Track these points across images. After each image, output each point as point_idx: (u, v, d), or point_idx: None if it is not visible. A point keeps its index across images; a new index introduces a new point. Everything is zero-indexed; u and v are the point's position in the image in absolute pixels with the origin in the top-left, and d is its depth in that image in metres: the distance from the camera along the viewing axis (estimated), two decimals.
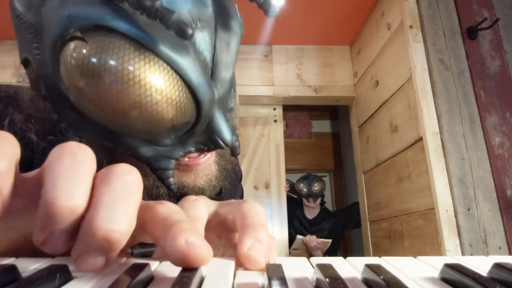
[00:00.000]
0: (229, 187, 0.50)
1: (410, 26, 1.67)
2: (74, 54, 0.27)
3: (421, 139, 1.57)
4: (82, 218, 0.16)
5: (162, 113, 0.30)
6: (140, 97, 0.28)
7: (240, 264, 0.20)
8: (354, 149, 2.48)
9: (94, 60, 0.27)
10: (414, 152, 1.65)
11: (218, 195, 0.47)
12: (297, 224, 2.65)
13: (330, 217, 2.64)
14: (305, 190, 2.62)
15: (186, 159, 0.37)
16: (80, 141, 0.31)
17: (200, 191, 0.38)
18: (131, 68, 0.27)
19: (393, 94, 1.84)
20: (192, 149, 0.35)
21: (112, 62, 0.27)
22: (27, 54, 0.31)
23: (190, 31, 0.25)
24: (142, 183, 0.18)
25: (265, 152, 2.48)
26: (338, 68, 2.45)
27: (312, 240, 2.36)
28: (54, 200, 0.15)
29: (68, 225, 0.16)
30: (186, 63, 0.29)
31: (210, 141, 0.35)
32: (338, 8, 2.08)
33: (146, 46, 0.28)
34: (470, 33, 1.64)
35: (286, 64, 2.44)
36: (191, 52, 0.30)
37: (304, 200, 2.65)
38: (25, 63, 0.33)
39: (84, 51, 0.27)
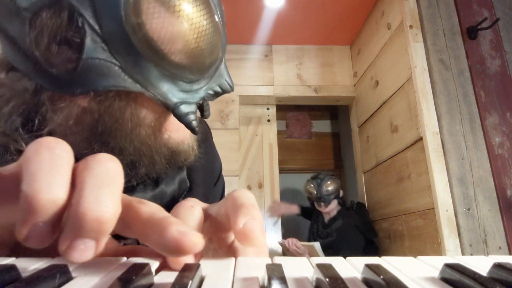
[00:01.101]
0: (201, 183, 0.50)
1: (410, 26, 1.67)
2: None
3: (421, 139, 1.57)
4: (64, 209, 0.16)
5: (208, 44, 0.33)
6: (191, 27, 0.32)
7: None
8: (354, 149, 2.49)
9: None
10: (414, 152, 1.65)
11: (188, 191, 0.47)
12: (314, 229, 2.25)
13: (342, 218, 2.11)
14: (314, 192, 2.18)
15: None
16: (107, 94, 0.32)
17: (190, 150, 0.40)
18: (185, 1, 0.31)
19: (393, 94, 1.84)
20: (205, 94, 0.38)
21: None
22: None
23: None
24: (122, 170, 0.18)
25: (258, 152, 2.48)
26: (338, 68, 2.46)
27: (292, 243, 2.00)
28: (34, 192, 0.15)
29: (51, 217, 0.16)
30: (215, 5, 0.34)
31: (219, 85, 0.39)
32: (338, 8, 2.08)
33: None
34: (470, 33, 1.64)
35: (286, 64, 2.44)
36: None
37: (316, 205, 2.21)
38: None
39: None
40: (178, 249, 0.17)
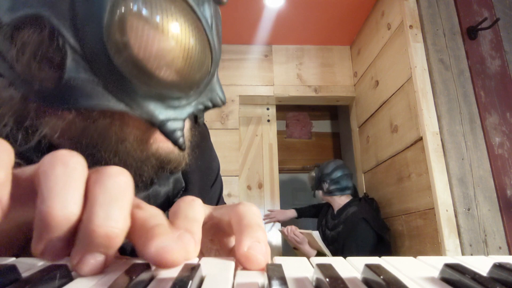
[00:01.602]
0: (197, 183, 0.49)
1: (410, 26, 1.67)
2: (114, 9, 0.28)
3: (421, 139, 1.57)
4: (77, 224, 0.17)
5: (192, 64, 0.32)
6: (178, 45, 0.30)
7: (240, 265, 0.20)
8: (354, 149, 2.49)
9: (137, 11, 0.28)
10: (414, 152, 1.65)
11: (184, 192, 0.47)
12: (323, 223, 2.10)
13: (351, 207, 1.91)
14: (312, 175, 2.10)
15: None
16: (84, 112, 0.31)
17: (181, 158, 0.40)
18: (172, 20, 0.30)
19: (393, 94, 1.84)
20: (195, 110, 0.37)
21: (157, 17, 0.29)
22: None
23: None
24: (132, 183, 0.19)
25: (258, 152, 2.49)
26: (338, 68, 2.46)
27: (291, 231, 1.88)
28: (50, 209, 0.16)
29: (65, 232, 0.17)
30: (206, 21, 0.33)
31: (210, 100, 0.38)
32: (338, 8, 2.08)
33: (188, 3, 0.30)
34: (470, 33, 1.64)
35: (286, 64, 2.44)
36: (206, 13, 0.34)
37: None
38: None
39: (124, 5, 0.28)
40: (158, 264, 0.17)
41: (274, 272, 0.16)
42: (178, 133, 0.35)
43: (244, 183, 2.41)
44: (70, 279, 0.16)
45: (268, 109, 2.57)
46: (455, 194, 1.43)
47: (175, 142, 0.35)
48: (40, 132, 0.33)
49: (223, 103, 0.39)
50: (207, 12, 0.34)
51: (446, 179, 1.46)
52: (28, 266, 0.17)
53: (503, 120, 1.55)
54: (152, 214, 0.20)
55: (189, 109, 0.36)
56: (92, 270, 0.17)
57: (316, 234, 1.81)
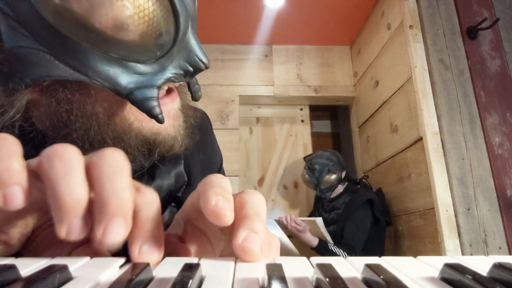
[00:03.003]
0: (199, 177, 0.47)
1: (410, 26, 1.67)
2: None
3: (421, 139, 1.57)
4: (89, 203, 0.19)
5: (145, 24, 0.29)
6: (126, 7, 0.27)
7: (236, 257, 0.20)
8: (354, 149, 2.49)
9: None
10: (414, 152, 1.65)
11: (187, 186, 0.45)
12: (319, 207, 2.04)
13: (352, 192, 1.89)
14: (313, 186, 1.99)
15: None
16: (43, 86, 0.29)
17: (172, 140, 0.37)
18: None
19: (393, 94, 1.84)
20: (172, 75, 0.33)
21: None
22: None
23: None
24: (127, 158, 0.21)
25: (293, 152, 2.51)
26: (338, 68, 2.46)
27: (291, 220, 1.73)
28: (59, 196, 0.18)
29: (80, 212, 0.18)
30: None
31: (188, 63, 0.33)
32: (338, 8, 2.08)
33: None
34: (470, 33, 1.64)
35: (286, 64, 2.44)
36: None
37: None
38: None
39: None
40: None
41: (274, 272, 0.16)
42: (152, 102, 0.31)
43: (280, 183, 2.44)
44: (70, 279, 0.16)
45: (301, 109, 2.59)
46: (455, 194, 1.43)
47: (148, 112, 0.31)
48: (8, 114, 0.30)
49: (206, 66, 0.35)
50: None
51: (446, 179, 1.46)
52: (28, 266, 0.17)
53: (503, 120, 1.55)
54: (148, 201, 0.21)
55: (163, 75, 0.32)
56: (118, 234, 0.18)
57: (320, 222, 1.72)
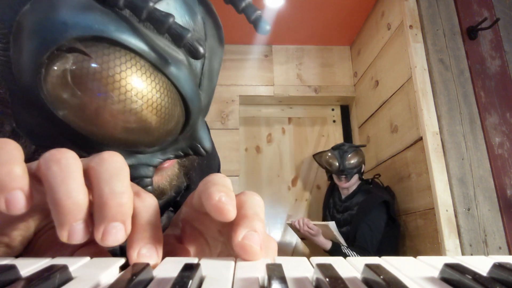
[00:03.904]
0: (199, 180, 0.48)
1: (410, 26, 1.67)
2: (73, 66, 0.26)
3: (421, 139, 1.57)
4: (89, 205, 0.19)
5: (156, 124, 0.29)
6: (139, 110, 0.28)
7: (236, 257, 0.20)
8: None
9: (96, 73, 0.26)
10: (414, 152, 1.65)
11: (186, 190, 0.46)
12: (330, 204, 2.03)
13: (363, 193, 1.86)
14: (336, 164, 1.91)
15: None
16: (37, 150, 0.30)
17: (161, 192, 0.38)
18: (134, 84, 0.27)
19: (393, 94, 1.84)
20: (172, 156, 0.34)
21: (116, 77, 0.26)
22: None
23: (202, 51, 0.26)
24: (124, 159, 0.21)
25: None
26: (338, 68, 2.46)
27: (304, 224, 1.73)
28: (58, 200, 0.18)
29: (80, 215, 0.19)
30: (182, 76, 0.29)
31: (190, 148, 0.35)
32: (338, 9, 2.08)
33: (151, 62, 0.27)
34: (470, 33, 1.64)
35: (286, 64, 2.44)
36: (185, 63, 0.30)
37: (335, 178, 1.95)
38: None
39: (85, 64, 0.26)
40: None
41: (274, 272, 0.16)
42: (145, 181, 0.32)
43: (313, 183, 2.43)
44: (70, 279, 0.16)
45: (333, 109, 2.58)
46: (455, 194, 1.43)
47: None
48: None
49: (207, 152, 0.35)
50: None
51: (446, 179, 1.46)
52: (28, 266, 0.17)
53: (503, 120, 1.55)
54: (147, 205, 0.21)
55: (162, 156, 0.33)
56: (116, 237, 0.19)
57: (333, 225, 1.71)
